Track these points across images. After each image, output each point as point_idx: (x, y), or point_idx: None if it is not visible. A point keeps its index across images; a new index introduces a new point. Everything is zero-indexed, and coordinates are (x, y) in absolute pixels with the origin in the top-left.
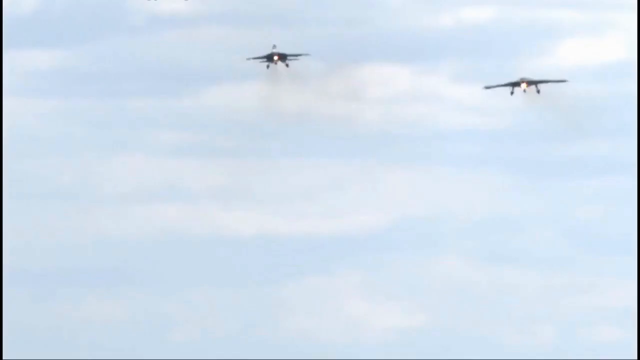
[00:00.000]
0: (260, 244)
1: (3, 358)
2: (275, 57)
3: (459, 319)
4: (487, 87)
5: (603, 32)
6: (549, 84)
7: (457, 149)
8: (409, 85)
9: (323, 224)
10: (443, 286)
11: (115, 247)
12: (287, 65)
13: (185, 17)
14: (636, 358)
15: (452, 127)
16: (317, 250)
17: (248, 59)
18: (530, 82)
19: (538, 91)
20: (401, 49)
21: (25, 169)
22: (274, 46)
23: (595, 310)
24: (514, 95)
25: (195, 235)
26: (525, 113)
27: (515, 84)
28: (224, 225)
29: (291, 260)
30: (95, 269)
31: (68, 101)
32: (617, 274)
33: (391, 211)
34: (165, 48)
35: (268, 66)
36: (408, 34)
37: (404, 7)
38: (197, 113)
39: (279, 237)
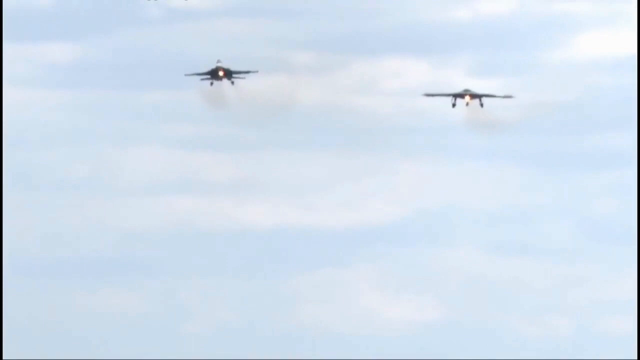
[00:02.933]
0: (275, 237)
1: (3, 358)
2: (221, 73)
3: (473, 311)
4: (427, 95)
5: (621, 25)
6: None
7: (472, 142)
8: (425, 78)
9: (337, 217)
10: (457, 278)
11: (129, 240)
12: (232, 82)
13: (200, 10)
14: None
15: (467, 119)
16: (331, 242)
17: (187, 74)
18: (474, 96)
19: (481, 105)
20: (418, 42)
21: (38, 161)
22: (219, 61)
23: (610, 301)
24: (455, 107)
25: (209, 228)
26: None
27: (459, 95)
28: (239, 217)
29: (305, 253)
30: (107, 262)
31: (82, 93)
32: (632, 265)
33: (406, 203)
34: (180, 41)
35: (212, 83)
36: (425, 26)
37: None
38: None
39: (294, 229)
